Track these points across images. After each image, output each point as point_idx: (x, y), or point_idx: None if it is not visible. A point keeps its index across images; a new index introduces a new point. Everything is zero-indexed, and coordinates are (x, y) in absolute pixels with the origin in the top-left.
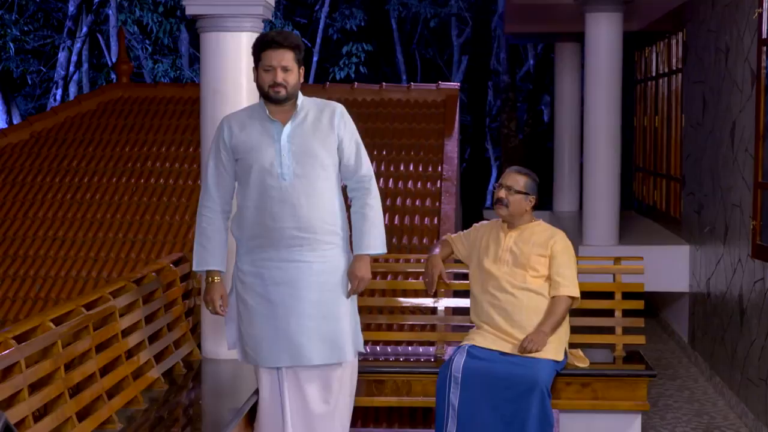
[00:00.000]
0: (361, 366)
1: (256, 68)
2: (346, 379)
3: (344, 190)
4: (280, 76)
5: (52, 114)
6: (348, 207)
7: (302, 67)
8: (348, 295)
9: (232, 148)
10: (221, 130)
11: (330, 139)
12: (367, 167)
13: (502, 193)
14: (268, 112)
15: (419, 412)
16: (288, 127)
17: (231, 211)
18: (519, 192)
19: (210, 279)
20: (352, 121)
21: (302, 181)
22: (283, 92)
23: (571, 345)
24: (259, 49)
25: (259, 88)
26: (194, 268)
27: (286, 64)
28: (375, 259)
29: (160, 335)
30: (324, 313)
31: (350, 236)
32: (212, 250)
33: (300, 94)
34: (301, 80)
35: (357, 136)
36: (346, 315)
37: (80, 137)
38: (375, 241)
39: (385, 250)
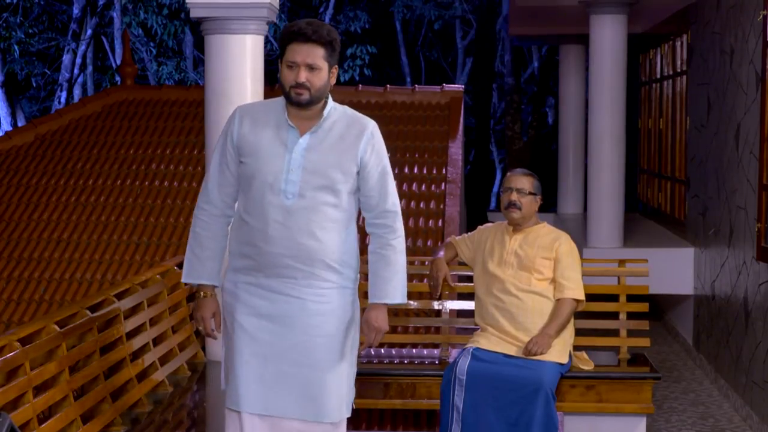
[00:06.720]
0: (365, 368)
1: (280, 61)
2: None
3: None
4: (303, 76)
5: (56, 116)
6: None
7: (335, 68)
8: (362, 348)
9: (238, 145)
10: (232, 121)
11: (352, 162)
12: (393, 201)
13: (513, 197)
14: (287, 114)
15: (424, 414)
16: (306, 139)
17: (232, 216)
18: (530, 193)
19: (201, 294)
20: (383, 143)
21: (307, 203)
22: (305, 95)
23: (576, 347)
24: (284, 40)
25: (281, 86)
26: (183, 280)
27: (313, 62)
28: None
29: (164, 337)
30: (309, 361)
31: (358, 278)
32: (205, 261)
33: (330, 100)
34: (333, 83)
35: (386, 162)
36: (335, 368)
37: (85, 140)
38: (396, 290)
39: (405, 300)
